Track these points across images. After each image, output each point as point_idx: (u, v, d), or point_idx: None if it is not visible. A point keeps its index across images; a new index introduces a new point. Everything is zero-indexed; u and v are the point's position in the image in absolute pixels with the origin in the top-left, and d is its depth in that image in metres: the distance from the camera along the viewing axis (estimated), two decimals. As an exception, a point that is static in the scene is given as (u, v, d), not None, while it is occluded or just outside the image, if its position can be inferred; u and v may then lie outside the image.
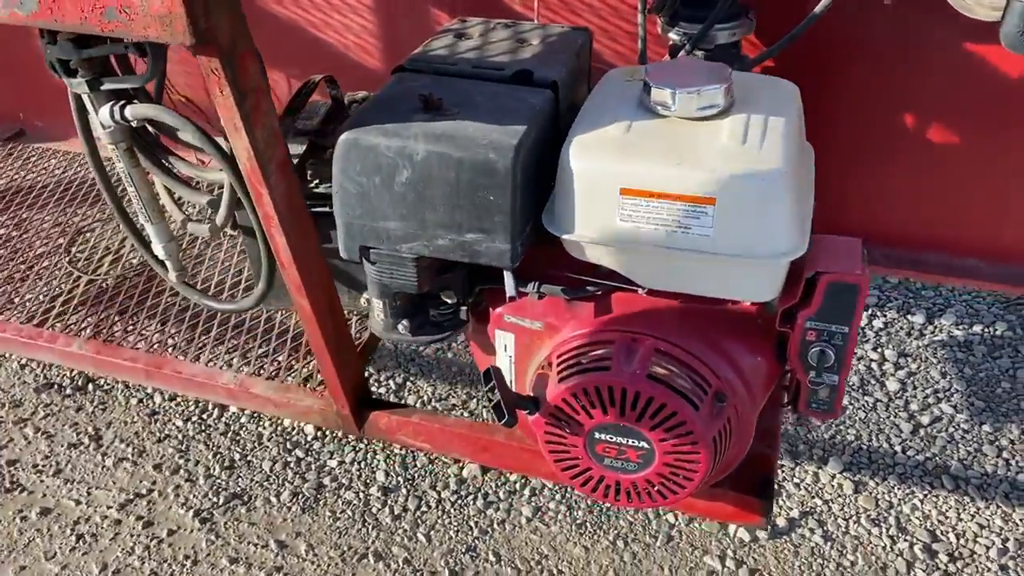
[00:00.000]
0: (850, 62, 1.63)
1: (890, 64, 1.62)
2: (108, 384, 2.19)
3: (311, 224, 1.23)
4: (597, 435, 1.17)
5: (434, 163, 1.06)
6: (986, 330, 2.27)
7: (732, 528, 1.77)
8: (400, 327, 1.23)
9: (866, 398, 2.08)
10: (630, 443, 1.16)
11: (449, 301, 1.21)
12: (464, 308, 1.23)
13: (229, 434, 2.05)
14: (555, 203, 1.11)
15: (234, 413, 2.09)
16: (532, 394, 1.21)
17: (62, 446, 2.12)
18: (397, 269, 1.16)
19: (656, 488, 1.19)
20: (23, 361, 2.26)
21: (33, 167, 2.59)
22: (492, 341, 1.27)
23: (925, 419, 2.02)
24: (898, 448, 1.96)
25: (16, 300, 1.98)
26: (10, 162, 2.60)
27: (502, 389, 1.14)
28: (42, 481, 2.06)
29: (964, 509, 1.82)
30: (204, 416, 2.10)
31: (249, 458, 1.99)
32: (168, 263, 1.48)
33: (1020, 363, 2.15)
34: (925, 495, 1.85)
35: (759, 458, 1.36)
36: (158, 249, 1.46)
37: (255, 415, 2.07)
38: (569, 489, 1.85)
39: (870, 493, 1.86)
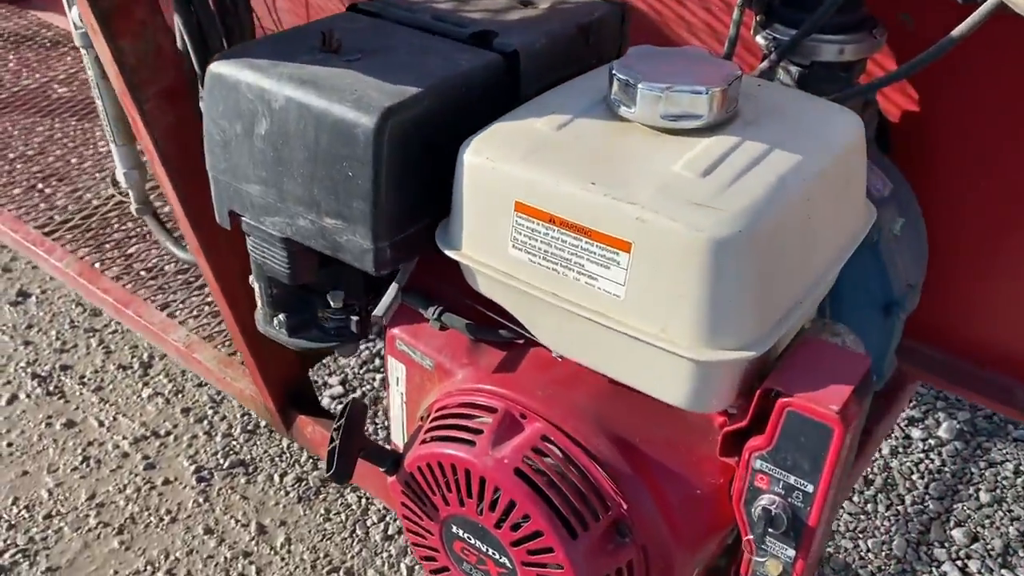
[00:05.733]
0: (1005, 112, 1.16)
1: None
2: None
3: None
4: (455, 528, 0.86)
5: (292, 114, 0.80)
6: None
7: None
8: (276, 322, 0.98)
9: None
10: (490, 553, 0.84)
11: (333, 304, 0.94)
12: (356, 318, 0.96)
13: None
14: (451, 210, 0.81)
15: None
16: (402, 449, 0.92)
17: (114, 365, 2.21)
18: (267, 249, 0.91)
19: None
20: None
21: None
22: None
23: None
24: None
25: (42, 204, 1.96)
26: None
27: (349, 431, 0.86)
28: (81, 394, 2.15)
29: None
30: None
31: (274, 428, 1.91)
32: (131, 193, 1.33)
33: None
34: None
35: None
36: (120, 174, 1.31)
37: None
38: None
39: None
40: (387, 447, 0.88)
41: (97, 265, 1.65)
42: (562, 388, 0.83)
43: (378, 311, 0.85)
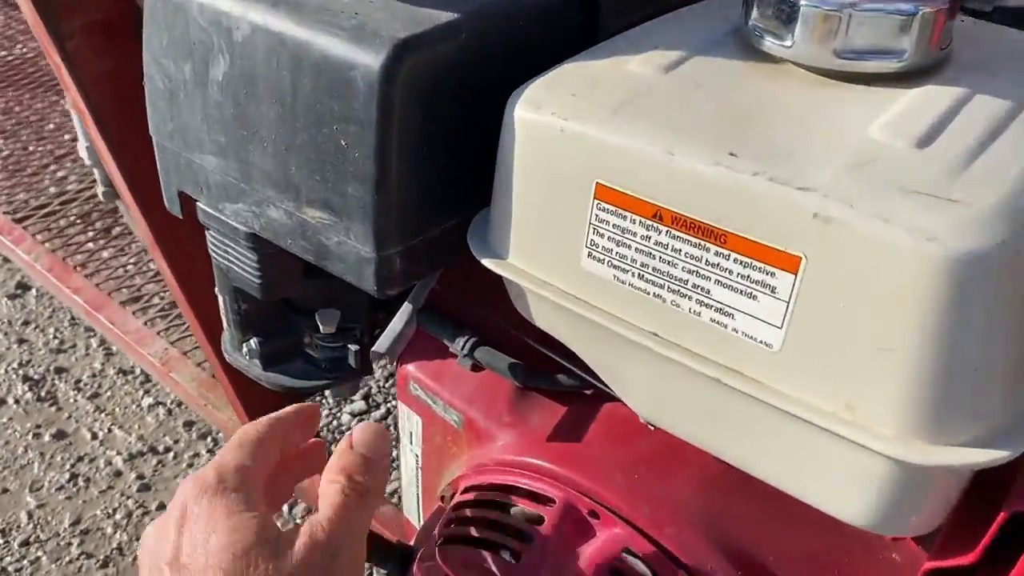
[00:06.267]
0: None
1: None
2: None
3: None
4: (487, 667, 0.58)
5: (260, 48, 0.52)
6: None
7: None
8: (246, 349, 0.70)
9: None
10: None
11: (324, 328, 0.67)
12: (355, 347, 0.69)
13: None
14: (491, 201, 0.53)
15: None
16: (414, 541, 0.64)
17: (113, 369, 1.98)
18: (231, 249, 0.64)
19: None
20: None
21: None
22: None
23: None
24: None
25: (18, 189, 1.72)
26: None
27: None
28: (75, 401, 1.92)
29: None
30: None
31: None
32: (96, 172, 1.07)
33: None
34: None
35: None
36: (82, 148, 1.05)
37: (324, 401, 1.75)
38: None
39: None
40: (393, 541, 0.60)
41: (73, 259, 1.40)
42: (655, 472, 0.55)
43: (382, 343, 0.57)
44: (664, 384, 0.48)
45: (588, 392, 0.59)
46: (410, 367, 0.66)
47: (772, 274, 0.41)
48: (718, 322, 0.44)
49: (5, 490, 1.73)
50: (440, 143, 0.52)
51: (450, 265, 0.59)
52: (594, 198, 0.46)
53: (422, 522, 0.71)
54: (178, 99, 0.59)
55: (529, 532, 0.53)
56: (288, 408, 0.49)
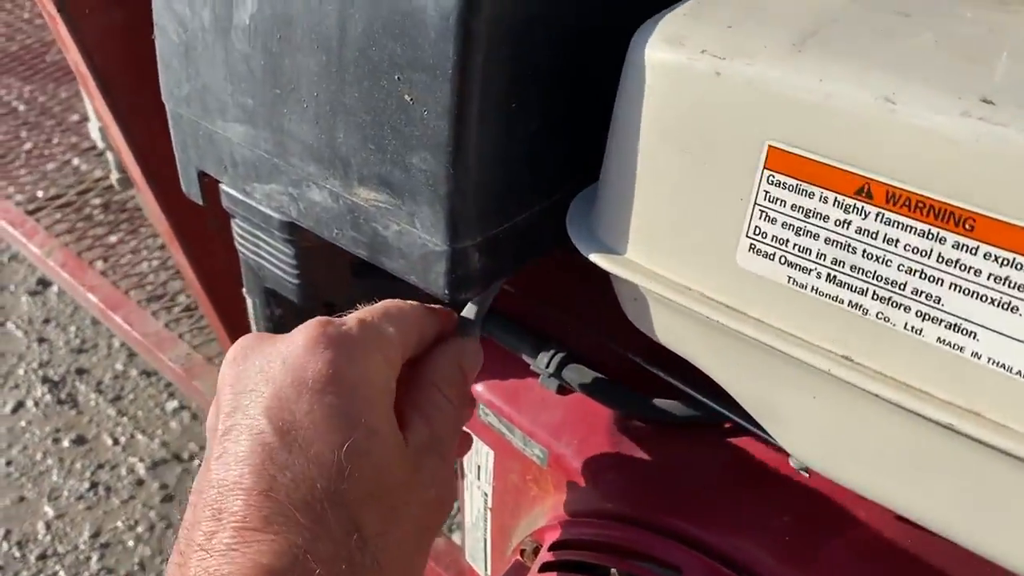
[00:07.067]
0: None
1: None
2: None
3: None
4: None
5: (296, -19, 0.40)
6: None
7: None
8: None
9: None
10: None
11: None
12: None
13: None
14: (602, 176, 0.40)
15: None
16: (484, 599, 0.52)
17: (136, 370, 1.89)
18: (262, 242, 0.52)
19: None
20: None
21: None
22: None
23: None
24: None
25: (29, 176, 1.62)
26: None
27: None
28: (96, 404, 1.83)
29: None
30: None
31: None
32: (109, 157, 0.96)
33: None
34: None
35: None
36: (94, 130, 0.94)
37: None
38: None
39: None
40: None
41: (89, 254, 1.29)
42: (818, 533, 0.42)
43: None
44: (847, 423, 0.35)
45: (715, 425, 0.46)
46: (479, 387, 0.54)
47: (1052, 274, 0.28)
48: (951, 343, 0.31)
49: (22, 498, 1.65)
50: (535, 98, 0.39)
51: (537, 260, 0.46)
52: (764, 167, 0.33)
53: (489, 573, 0.59)
54: (195, 54, 0.47)
55: (647, 610, 0.41)
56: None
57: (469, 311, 0.45)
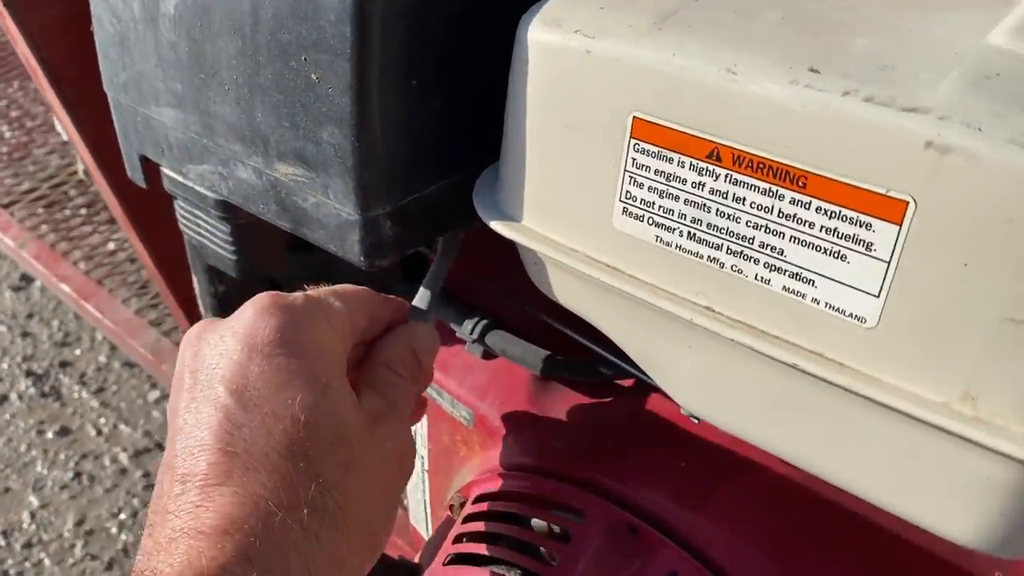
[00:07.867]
0: None
1: None
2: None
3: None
4: None
5: (212, -31, 0.43)
6: None
7: None
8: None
9: None
10: None
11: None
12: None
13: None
14: (502, 149, 0.43)
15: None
16: (419, 556, 0.55)
17: (119, 362, 1.90)
18: (201, 220, 0.55)
19: None
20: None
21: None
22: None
23: None
24: None
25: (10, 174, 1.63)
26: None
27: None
28: (79, 396, 1.85)
29: None
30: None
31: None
32: (75, 148, 0.98)
33: None
34: None
35: None
36: (59, 123, 0.96)
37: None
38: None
39: None
40: (395, 557, 0.51)
41: (62, 246, 1.31)
42: (706, 478, 0.45)
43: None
44: (718, 370, 0.39)
45: (622, 382, 0.49)
46: (412, 355, 0.57)
47: (868, 226, 0.31)
48: (794, 291, 0.34)
49: (7, 489, 1.67)
50: (434, 74, 0.42)
51: (453, 232, 0.49)
52: (630, 137, 0.36)
53: (430, 533, 0.62)
54: (129, 43, 0.50)
55: (552, 551, 0.44)
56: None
57: (420, 298, 0.48)
